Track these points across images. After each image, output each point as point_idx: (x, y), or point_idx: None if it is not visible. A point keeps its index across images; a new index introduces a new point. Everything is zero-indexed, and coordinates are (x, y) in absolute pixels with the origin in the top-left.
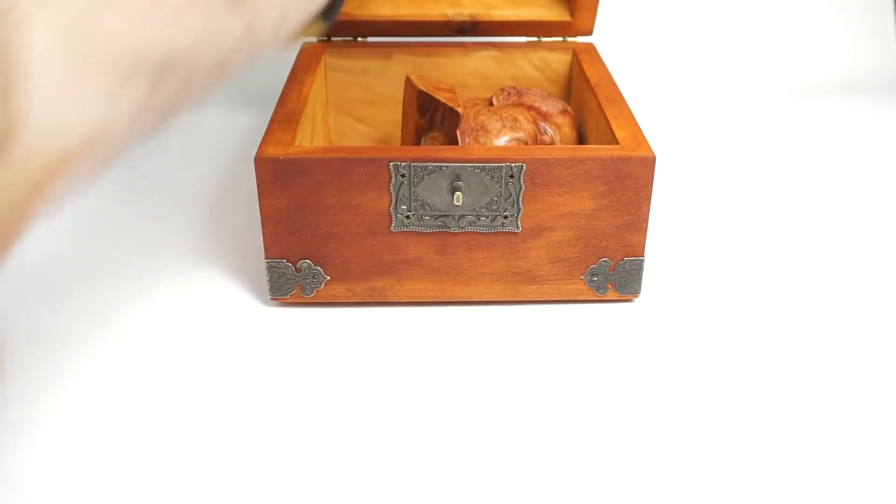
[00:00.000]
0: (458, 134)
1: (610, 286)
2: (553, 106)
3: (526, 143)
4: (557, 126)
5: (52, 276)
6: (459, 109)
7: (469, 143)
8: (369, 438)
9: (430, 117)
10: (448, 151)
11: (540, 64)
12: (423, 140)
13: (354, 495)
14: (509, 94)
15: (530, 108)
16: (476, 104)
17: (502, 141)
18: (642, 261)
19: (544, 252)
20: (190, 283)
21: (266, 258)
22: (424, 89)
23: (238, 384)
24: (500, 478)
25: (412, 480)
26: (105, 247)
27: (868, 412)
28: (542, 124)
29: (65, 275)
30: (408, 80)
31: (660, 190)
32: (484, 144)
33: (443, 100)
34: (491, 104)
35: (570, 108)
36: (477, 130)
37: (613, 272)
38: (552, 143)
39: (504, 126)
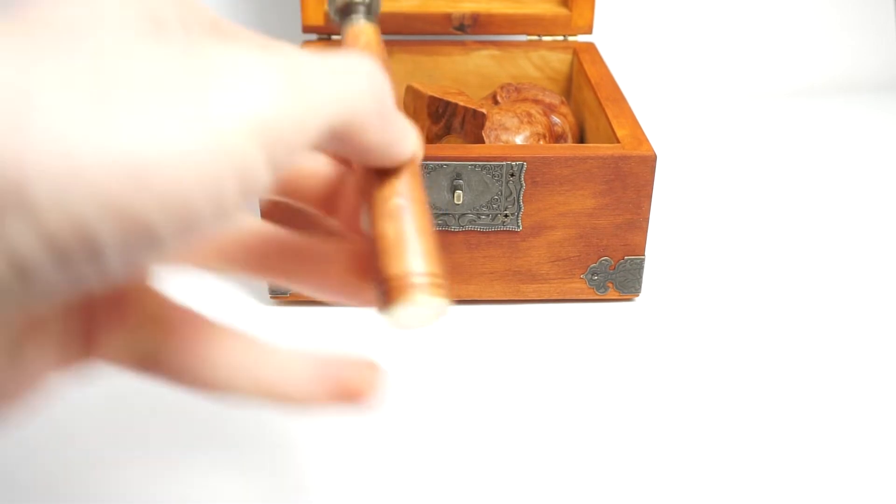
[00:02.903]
0: (482, 135)
1: (610, 285)
2: (553, 98)
3: (544, 136)
4: (563, 115)
5: None
6: (484, 110)
7: (493, 143)
8: (369, 437)
9: (447, 122)
10: (448, 150)
11: (540, 63)
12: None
13: (354, 495)
14: (509, 90)
15: (536, 101)
16: (482, 104)
17: (522, 136)
18: (643, 260)
19: (545, 251)
20: (189, 281)
21: None
22: (438, 95)
23: None
24: (500, 477)
25: (413, 479)
26: None
27: (868, 412)
28: (552, 116)
29: None
30: (409, 89)
31: (660, 189)
32: (506, 141)
33: (461, 103)
34: (496, 102)
35: (565, 100)
36: (496, 129)
37: (614, 271)
38: (563, 133)
39: (521, 122)
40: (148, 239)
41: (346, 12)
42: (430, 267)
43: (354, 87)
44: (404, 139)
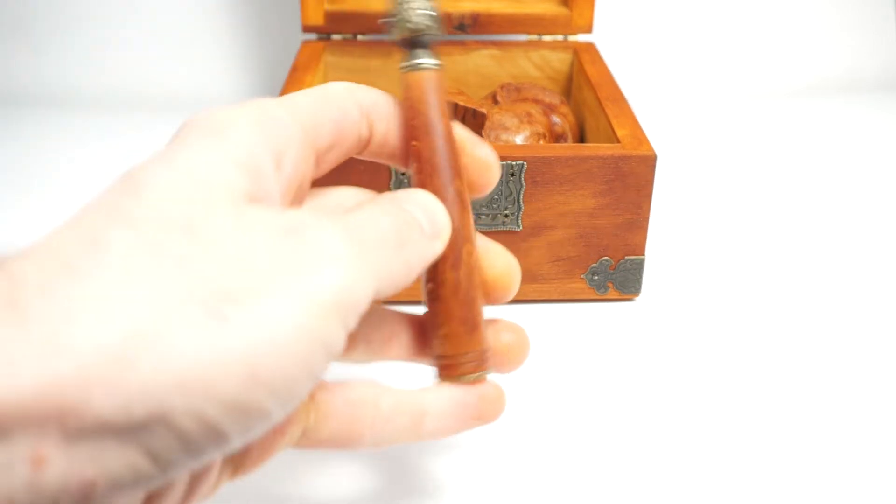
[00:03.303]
0: (482, 135)
1: (611, 285)
2: (553, 98)
3: (544, 136)
4: (564, 115)
5: None
6: (484, 110)
7: (493, 142)
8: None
9: None
10: None
11: (540, 62)
12: None
13: (354, 494)
14: (509, 90)
15: (536, 101)
16: (482, 103)
17: (522, 136)
18: (643, 260)
19: (545, 251)
20: None
21: None
22: None
23: None
24: (500, 476)
25: (413, 478)
26: None
27: (868, 412)
28: (552, 116)
29: None
30: None
31: (661, 189)
32: (506, 141)
33: (461, 103)
34: (496, 102)
35: (565, 100)
36: (496, 129)
37: (614, 271)
38: (563, 132)
39: (522, 122)
40: (262, 420)
41: (411, 47)
42: (466, 348)
43: (389, 256)
44: (429, 255)
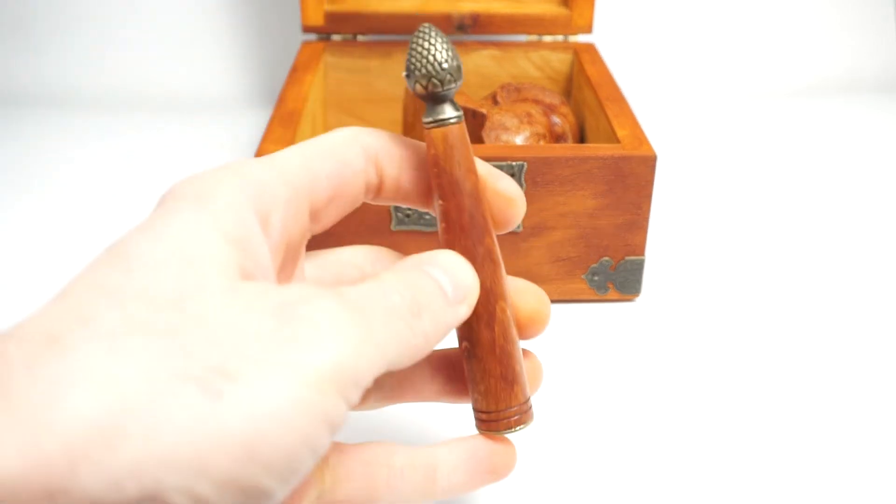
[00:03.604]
0: (483, 135)
1: (611, 286)
2: (553, 98)
3: (544, 136)
4: (564, 115)
5: (62, 278)
6: (484, 111)
7: (493, 143)
8: (369, 438)
9: None
10: None
11: (540, 63)
12: None
13: None
14: (509, 90)
15: (536, 101)
16: (482, 104)
17: (522, 136)
18: (643, 260)
19: (545, 251)
20: None
21: None
22: None
23: None
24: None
25: None
26: (108, 245)
27: (868, 413)
28: (552, 116)
29: (72, 275)
30: (409, 90)
31: (660, 189)
32: (507, 142)
33: (461, 103)
34: (496, 102)
35: (565, 100)
36: (496, 129)
37: (614, 272)
38: (563, 133)
39: (521, 122)
40: (261, 498)
41: (432, 101)
42: (507, 403)
43: (398, 327)
44: (451, 321)
